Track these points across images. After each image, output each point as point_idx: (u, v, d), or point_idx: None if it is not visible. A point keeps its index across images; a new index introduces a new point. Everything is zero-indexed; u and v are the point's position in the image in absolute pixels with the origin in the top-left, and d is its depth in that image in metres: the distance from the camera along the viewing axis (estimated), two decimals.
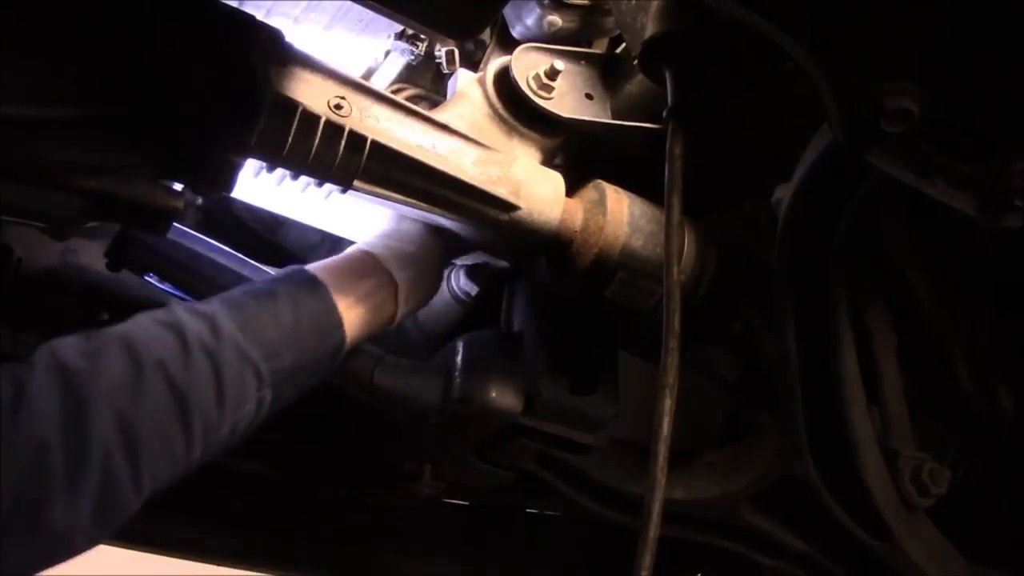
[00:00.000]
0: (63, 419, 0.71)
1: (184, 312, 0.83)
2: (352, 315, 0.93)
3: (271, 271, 1.01)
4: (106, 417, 0.73)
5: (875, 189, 0.89)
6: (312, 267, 0.94)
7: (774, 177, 1.03)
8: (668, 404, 0.76)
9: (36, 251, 1.06)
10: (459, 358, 1.03)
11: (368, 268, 0.97)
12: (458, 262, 1.23)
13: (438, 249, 1.03)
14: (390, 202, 0.91)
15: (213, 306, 0.85)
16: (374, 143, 0.85)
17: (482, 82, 1.00)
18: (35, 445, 0.69)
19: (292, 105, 0.81)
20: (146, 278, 1.08)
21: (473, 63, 1.12)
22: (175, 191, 0.81)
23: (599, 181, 0.99)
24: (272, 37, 0.81)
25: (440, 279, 1.07)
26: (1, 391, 0.70)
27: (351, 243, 1.03)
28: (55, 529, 0.69)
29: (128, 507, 0.75)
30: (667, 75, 0.90)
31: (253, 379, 0.84)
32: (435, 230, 1.02)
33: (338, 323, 0.92)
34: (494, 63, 1.01)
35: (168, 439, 0.77)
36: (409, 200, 0.90)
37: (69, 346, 0.75)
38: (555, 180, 0.98)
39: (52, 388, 0.72)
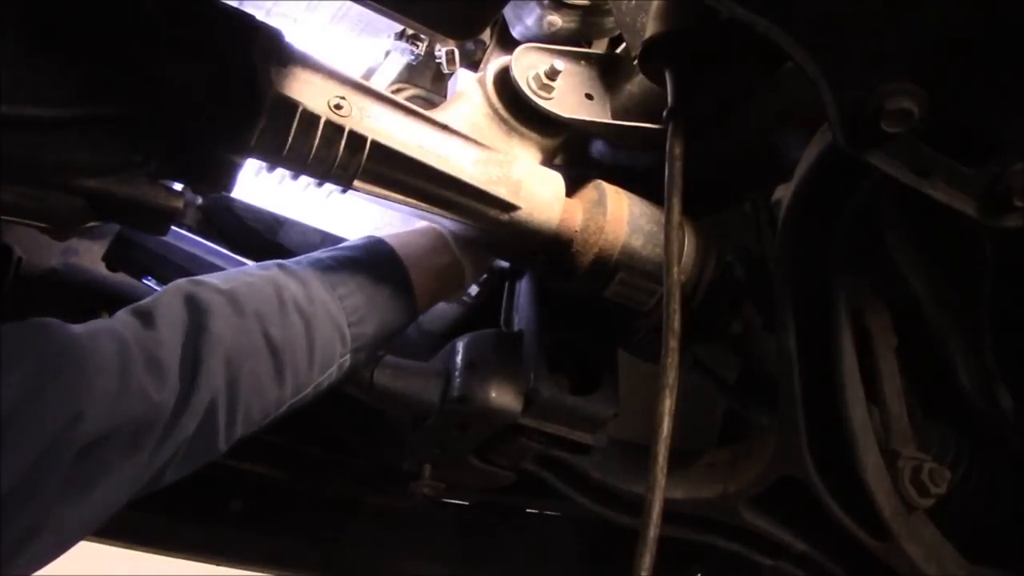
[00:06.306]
0: (182, 361, 0.73)
1: (278, 270, 0.85)
2: (424, 293, 0.97)
3: None
4: (218, 365, 0.74)
5: (875, 189, 0.89)
6: (390, 239, 0.97)
7: (774, 177, 1.03)
8: (668, 404, 0.76)
9: (36, 251, 1.06)
10: (459, 358, 1.03)
11: (441, 248, 1.00)
12: None
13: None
14: (390, 202, 0.91)
15: (304, 268, 0.87)
16: (374, 143, 0.85)
17: (482, 82, 1.00)
18: (157, 379, 0.70)
19: (292, 105, 0.81)
20: (144, 280, 1.08)
21: (473, 63, 1.12)
22: (175, 191, 0.81)
23: (599, 181, 0.99)
24: (272, 37, 0.81)
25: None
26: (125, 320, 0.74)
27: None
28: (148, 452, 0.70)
29: (215, 454, 0.78)
30: (667, 75, 0.90)
31: (339, 343, 0.87)
32: None
33: (413, 301, 0.95)
34: (494, 63, 1.01)
35: (263, 390, 0.79)
36: (409, 200, 0.90)
37: (176, 294, 0.78)
38: (555, 180, 0.98)
39: (177, 329, 0.74)
